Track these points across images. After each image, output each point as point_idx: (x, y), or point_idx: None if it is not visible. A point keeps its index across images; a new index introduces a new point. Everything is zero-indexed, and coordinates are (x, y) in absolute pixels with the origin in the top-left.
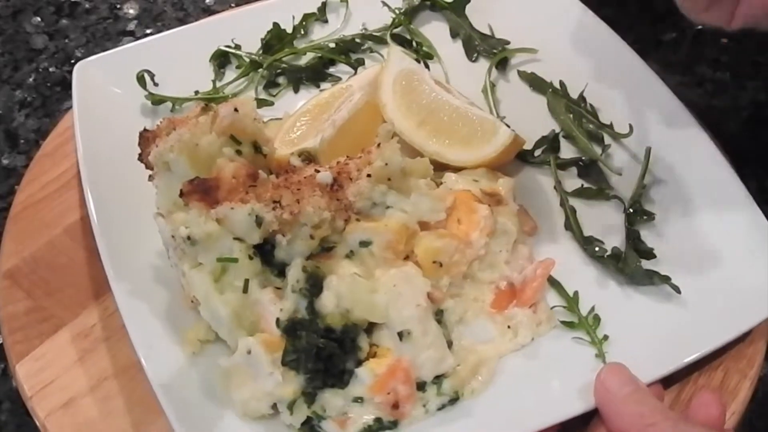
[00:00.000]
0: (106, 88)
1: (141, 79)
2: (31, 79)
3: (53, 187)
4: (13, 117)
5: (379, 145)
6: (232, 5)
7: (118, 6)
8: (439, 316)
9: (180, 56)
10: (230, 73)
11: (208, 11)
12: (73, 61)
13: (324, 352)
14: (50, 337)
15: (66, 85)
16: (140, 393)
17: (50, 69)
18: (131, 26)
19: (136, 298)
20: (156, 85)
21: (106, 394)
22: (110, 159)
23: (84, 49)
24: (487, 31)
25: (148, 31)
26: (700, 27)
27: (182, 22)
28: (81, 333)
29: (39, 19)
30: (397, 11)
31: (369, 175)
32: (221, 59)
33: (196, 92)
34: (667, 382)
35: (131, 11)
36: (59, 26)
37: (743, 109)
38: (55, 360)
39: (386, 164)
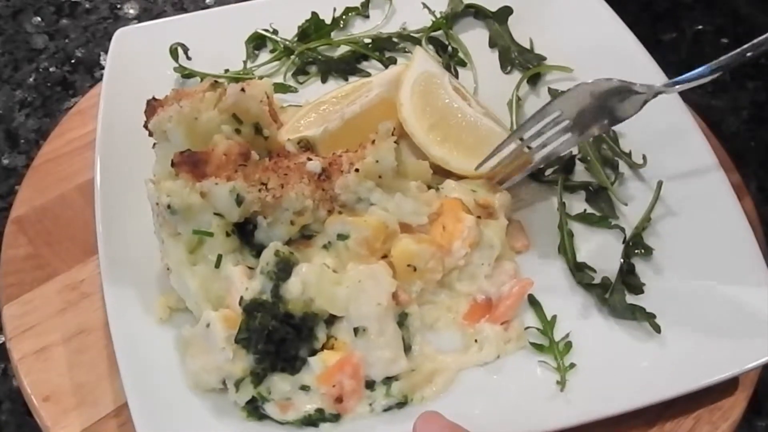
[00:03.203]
0: (141, 58)
1: (174, 52)
2: (31, 79)
3: (77, 144)
4: (13, 117)
5: (374, 141)
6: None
7: (118, 6)
8: (402, 319)
9: (217, 35)
10: (264, 57)
11: None
12: (73, 61)
13: (276, 336)
14: (41, 284)
15: (66, 85)
16: (111, 351)
17: (50, 69)
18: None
19: (120, 259)
20: (189, 59)
21: (79, 346)
22: (128, 126)
23: (84, 49)
24: (527, 44)
25: None
26: (700, 27)
27: None
28: (69, 285)
29: (39, 19)
30: (438, 14)
31: (357, 170)
32: (257, 42)
33: (227, 71)
34: (632, 420)
35: (131, 11)
36: (59, 26)
37: (743, 109)
38: (40, 307)
39: (377, 161)
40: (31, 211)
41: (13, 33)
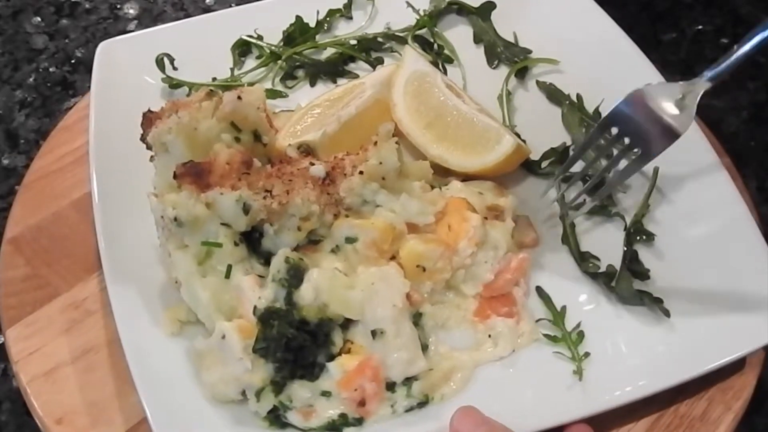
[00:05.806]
0: (126, 70)
1: (160, 62)
2: (31, 79)
3: (67, 160)
4: (13, 117)
5: (375, 143)
6: (232, 5)
7: (118, 6)
8: (417, 319)
9: (202, 43)
10: (251, 63)
11: (208, 12)
12: (73, 61)
13: (294, 343)
14: (43, 305)
15: (66, 85)
16: (120, 368)
17: (50, 69)
18: (131, 26)
19: (125, 274)
20: (175, 69)
21: (88, 365)
22: (120, 138)
23: (84, 49)
24: (511, 38)
25: None
26: (700, 27)
27: None
28: (72, 304)
29: (39, 19)
30: (422, 13)
31: (361, 172)
32: (243, 48)
33: (214, 79)
34: (647, 406)
35: (131, 11)
36: (59, 26)
37: (743, 109)
38: (44, 328)
39: (380, 163)
40: (26, 231)
41: (13, 33)
